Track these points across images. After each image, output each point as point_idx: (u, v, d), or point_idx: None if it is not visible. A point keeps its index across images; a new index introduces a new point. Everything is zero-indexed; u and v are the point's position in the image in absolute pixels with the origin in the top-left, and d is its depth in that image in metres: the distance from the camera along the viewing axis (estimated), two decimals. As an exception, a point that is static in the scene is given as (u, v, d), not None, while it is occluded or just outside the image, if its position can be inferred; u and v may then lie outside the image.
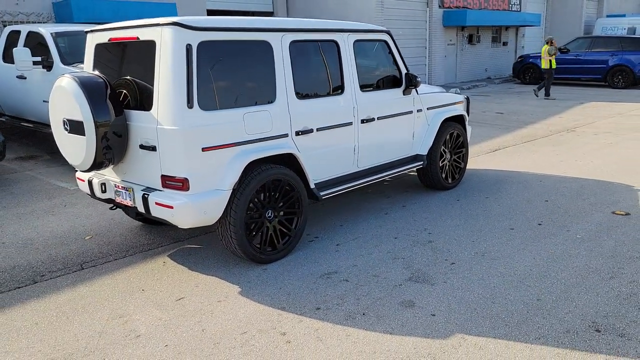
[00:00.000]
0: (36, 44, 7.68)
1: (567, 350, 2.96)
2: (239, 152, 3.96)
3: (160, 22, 3.74)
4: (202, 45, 3.78)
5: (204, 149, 3.76)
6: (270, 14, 17.02)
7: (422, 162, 5.67)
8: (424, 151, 5.70)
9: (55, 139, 4.27)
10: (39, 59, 7.16)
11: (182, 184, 3.75)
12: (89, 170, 4.09)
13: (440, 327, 3.20)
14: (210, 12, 15.55)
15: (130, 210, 4.35)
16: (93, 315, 3.52)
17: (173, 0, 13.91)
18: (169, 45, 3.68)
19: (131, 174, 4.16)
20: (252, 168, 4.07)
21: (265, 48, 4.17)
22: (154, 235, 4.96)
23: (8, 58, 8.21)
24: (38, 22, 12.29)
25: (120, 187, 4.25)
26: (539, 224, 4.94)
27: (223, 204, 3.88)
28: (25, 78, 7.73)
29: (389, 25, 16.48)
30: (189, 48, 3.69)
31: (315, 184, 4.62)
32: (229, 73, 3.93)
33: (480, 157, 7.78)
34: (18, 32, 8.15)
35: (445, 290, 3.67)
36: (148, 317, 3.46)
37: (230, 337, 3.18)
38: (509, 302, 3.48)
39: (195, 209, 3.76)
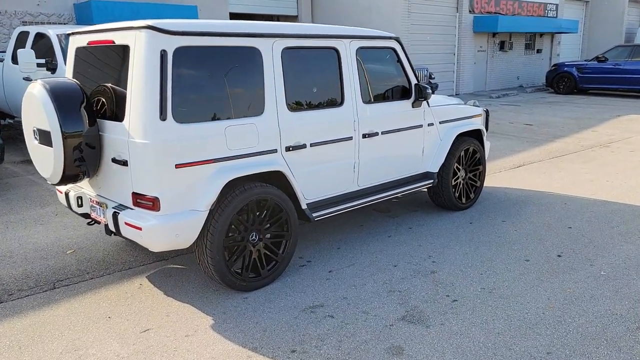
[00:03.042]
0: (43, 45, 7.54)
1: (579, 423, 2.47)
2: (217, 169, 3.59)
3: (135, 25, 3.41)
4: (179, 51, 3.43)
5: (177, 166, 3.41)
6: (294, 18, 16.73)
7: (432, 181, 5.20)
8: (435, 169, 5.23)
9: (28, 149, 4.00)
10: (42, 61, 7.00)
11: (152, 204, 3.41)
12: (60, 184, 3.79)
13: (428, 384, 2.75)
14: (233, 16, 15.36)
15: (106, 228, 4.04)
16: (48, 346, 3.19)
17: (195, 3, 13.75)
18: (141, 51, 3.34)
19: (106, 189, 3.85)
20: (234, 186, 3.70)
21: (253, 55, 3.80)
22: (138, 252, 4.65)
23: (16, 59, 8.10)
24: (59, 24, 12.28)
25: (95, 202, 3.94)
26: (559, 256, 4.41)
27: (198, 226, 3.52)
28: (31, 80, 7.59)
29: (417, 31, 15.97)
30: (163, 54, 3.35)
31: (307, 204, 4.21)
32: (210, 82, 3.57)
33: (502, 174, 7.23)
34: (27, 33, 8.03)
35: (441, 334, 3.21)
36: (105, 352, 3.11)
37: (187, 383, 2.80)
38: (513, 355, 2.99)
39: (165, 232, 3.40)
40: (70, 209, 4.20)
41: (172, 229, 3.42)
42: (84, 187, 4.14)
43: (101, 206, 3.87)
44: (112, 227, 3.70)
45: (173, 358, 3.03)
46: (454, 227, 5.14)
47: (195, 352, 3.09)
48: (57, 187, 4.36)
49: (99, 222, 4.01)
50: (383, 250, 4.57)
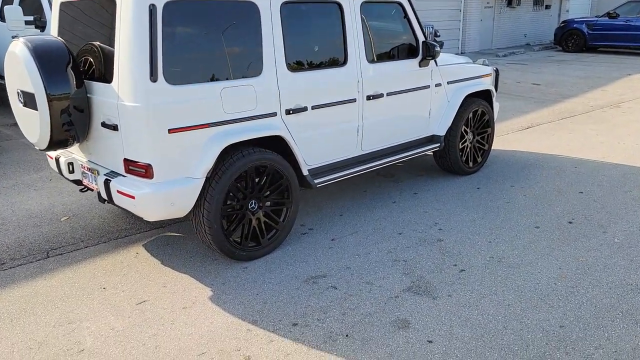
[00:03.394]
0: (32, 1, 7.19)
1: (594, 401, 2.36)
2: (214, 134, 3.39)
3: (120, -22, 3.14)
4: (170, 5, 3.17)
5: (170, 131, 3.21)
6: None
7: (438, 144, 5.00)
8: (442, 132, 5.02)
9: (14, 113, 3.79)
10: (31, 18, 6.68)
11: (145, 171, 3.22)
12: (49, 149, 3.60)
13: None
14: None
15: (99, 195, 3.88)
16: (40, 318, 3.08)
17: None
18: (128, 5, 3.08)
19: (97, 155, 3.66)
20: (232, 152, 3.51)
21: (250, 10, 3.53)
22: (134, 219, 4.50)
23: (4, 17, 7.76)
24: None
25: (86, 168, 3.77)
26: (570, 222, 4.25)
27: (194, 195, 3.35)
28: (20, 39, 7.28)
29: (421, -14, 15.37)
30: (152, 9, 3.09)
31: (309, 170, 4.03)
32: (204, 40, 3.32)
33: (509, 136, 7.01)
34: (15, -11, 7.67)
35: (448, 306, 3.08)
36: (100, 325, 3.00)
37: (184, 359, 2.68)
38: (524, 329, 2.87)
39: (160, 200, 3.23)
40: (62, 175, 4.02)
41: (167, 197, 3.25)
42: (74, 153, 3.95)
43: (93, 173, 3.69)
44: (104, 195, 3.53)
45: (170, 331, 2.91)
46: (461, 192, 4.97)
47: (193, 325, 2.97)
48: (48, 153, 4.17)
49: (91, 189, 3.85)
50: (387, 217, 4.41)
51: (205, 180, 3.39)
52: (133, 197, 3.24)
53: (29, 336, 2.91)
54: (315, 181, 3.98)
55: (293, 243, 3.96)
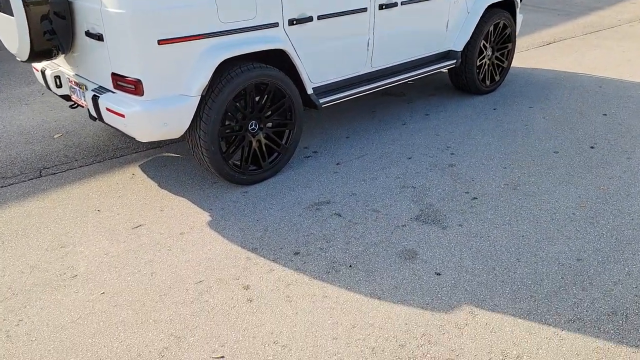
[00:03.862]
0: None
1: (612, 343, 2.24)
2: (209, 46, 3.07)
3: None
4: None
5: (160, 42, 2.89)
6: None
7: (454, 61, 4.63)
8: (459, 47, 4.63)
9: (-10, 20, 3.45)
10: None
11: (134, 87, 2.95)
12: (31, 60, 3.31)
13: (444, 294, 2.50)
14: None
15: (89, 112, 3.63)
16: (32, 241, 2.96)
17: None
18: None
19: (84, 68, 3.37)
20: (229, 68, 3.21)
21: None
22: (131, 137, 4.28)
23: None
24: None
25: (74, 82, 3.49)
26: (592, 147, 3.99)
27: (189, 114, 3.10)
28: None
29: None
30: None
31: (314, 88, 3.73)
32: (195, -64, 2.91)
33: (530, 52, 6.55)
34: None
35: (459, 237, 2.92)
36: (94, 249, 2.88)
37: (181, 287, 2.58)
38: (539, 261, 2.72)
39: (152, 120, 2.99)
40: (49, 89, 3.75)
41: (159, 116, 3.00)
42: (61, 65, 3.66)
43: (81, 88, 3.42)
44: (93, 113, 3.29)
45: (167, 258, 2.79)
46: (476, 113, 4.67)
47: (190, 251, 2.84)
48: (34, 65, 3.87)
49: (82, 106, 3.59)
50: (396, 140, 4.16)
51: (201, 98, 3.12)
52: (123, 116, 3.00)
53: (21, 259, 2.80)
54: (321, 101, 3.69)
55: (296, 167, 3.76)
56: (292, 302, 2.46)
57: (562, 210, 3.16)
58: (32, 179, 3.69)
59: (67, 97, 3.76)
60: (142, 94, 2.96)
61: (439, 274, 2.62)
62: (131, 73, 2.93)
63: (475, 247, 2.82)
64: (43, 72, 3.69)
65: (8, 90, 5.40)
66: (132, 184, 3.59)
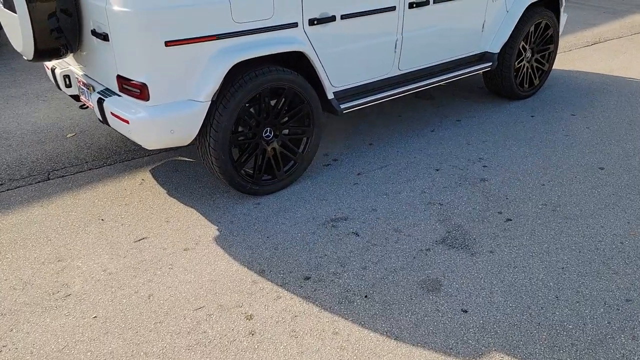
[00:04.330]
0: None
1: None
2: (221, 48, 2.83)
3: None
4: None
5: (168, 43, 2.67)
6: None
7: (490, 64, 4.28)
8: (496, 48, 4.28)
9: (-2, 16, 3.30)
10: None
11: (139, 91, 2.74)
12: (37, 59, 3.13)
13: (470, 336, 2.21)
14: None
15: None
16: (30, 253, 2.79)
17: None
18: None
19: (91, 69, 3.19)
20: (242, 71, 2.97)
21: None
22: (143, 139, 4.10)
23: None
24: None
25: (82, 83, 3.31)
26: (641, 164, 3.61)
27: (198, 121, 2.87)
28: None
29: None
30: None
31: (334, 93, 3.46)
32: None
33: (572, 53, 6.11)
34: None
35: (489, 266, 2.62)
36: (92, 265, 2.69)
37: (179, 313, 2.36)
38: (581, 301, 2.40)
39: (157, 126, 2.78)
40: (59, 88, 3.59)
41: (166, 123, 2.78)
42: (71, 65, 3.49)
43: (88, 89, 3.24)
44: (98, 116, 3.10)
45: (167, 278, 2.58)
46: (512, 121, 4.32)
47: (192, 271, 2.62)
48: (45, 63, 3.72)
49: (91, 107, 3.42)
50: (423, 149, 3.86)
51: (211, 103, 2.89)
52: (127, 122, 2.80)
53: (15, 273, 2.64)
54: (342, 106, 3.42)
55: (313, 176, 3.51)
56: (298, 337, 2.21)
57: (609, 239, 2.82)
58: (39, 181, 3.55)
59: (76, 98, 3.60)
60: (148, 99, 2.74)
61: (466, 312, 2.33)
62: (136, 76, 2.72)
63: (508, 280, 2.52)
64: (53, 71, 3.53)
65: (27, 85, 5.31)
66: (141, 190, 3.40)
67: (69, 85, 3.47)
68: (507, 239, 2.81)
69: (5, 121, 4.50)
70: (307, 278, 2.55)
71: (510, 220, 2.99)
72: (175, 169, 3.66)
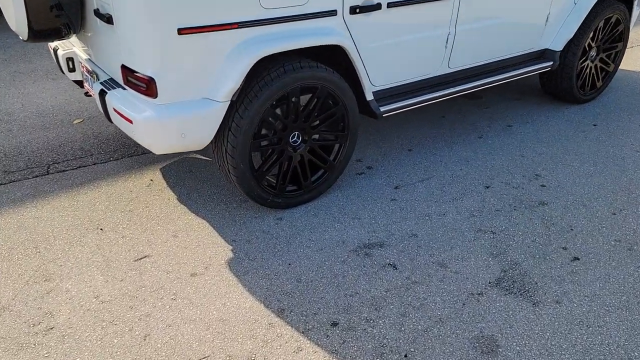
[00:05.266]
0: None
1: None
2: (245, 38, 2.37)
3: None
4: None
5: (181, 31, 2.22)
6: None
7: (551, 63, 3.74)
8: (559, 46, 3.72)
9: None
10: None
11: (146, 86, 2.31)
12: (34, 39, 2.72)
13: (537, 421, 1.77)
14: None
15: (103, 104, 3.04)
16: (14, 268, 2.42)
17: None
18: None
19: (96, 54, 2.77)
20: (268, 67, 2.51)
21: None
22: (155, 131, 3.68)
23: None
24: None
25: (85, 69, 2.90)
26: None
27: (214, 124, 2.43)
28: None
29: None
30: None
31: (374, 92, 2.98)
32: None
33: (637, 51, 5.48)
34: None
35: (556, 322, 2.15)
36: (82, 288, 2.30)
37: (180, 362, 1.96)
38: (674, 378, 1.93)
39: (166, 129, 2.35)
40: (62, 72, 3.18)
41: (176, 125, 2.35)
42: (75, 47, 3.07)
43: (92, 76, 2.82)
44: (100, 109, 2.69)
45: (168, 312, 2.18)
46: (571, 129, 3.79)
47: (199, 305, 2.22)
48: (49, 43, 3.31)
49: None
50: (471, 160, 3.37)
51: (230, 104, 2.45)
52: (131, 122, 2.37)
53: (-5, 294, 2.27)
54: (382, 109, 2.95)
55: (344, 187, 3.06)
56: (323, 409, 1.80)
57: (700, 292, 2.33)
58: (36, 176, 3.17)
59: (81, 84, 3.20)
60: (156, 96, 2.31)
61: (530, 386, 1.89)
62: (143, 68, 2.28)
63: (580, 344, 2.05)
64: (55, 52, 3.12)
65: (37, 61, 4.93)
66: (148, 194, 2.99)
67: (72, 70, 3.06)
68: (575, 285, 2.34)
69: (9, 101, 4.13)
70: (335, 324, 2.13)
71: (578, 259, 2.50)
72: (188, 169, 3.24)
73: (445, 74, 3.26)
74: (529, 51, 3.66)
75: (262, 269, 2.42)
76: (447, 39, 3.09)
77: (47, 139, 3.58)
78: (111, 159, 3.37)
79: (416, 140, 3.60)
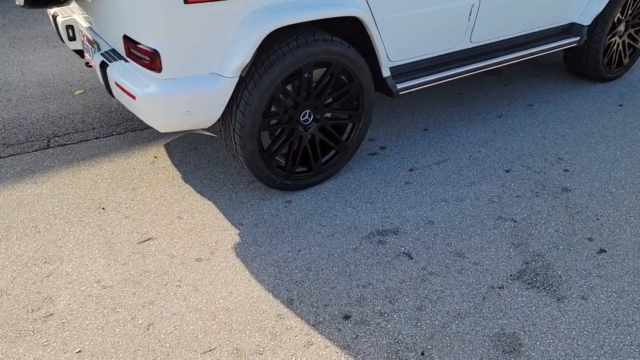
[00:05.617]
0: None
1: None
2: (256, 8, 2.19)
3: None
4: None
5: (188, 0, 2.05)
6: None
7: (578, 38, 3.53)
8: (587, 20, 3.51)
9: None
10: None
11: (149, 60, 2.15)
12: (32, 5, 2.56)
13: None
14: None
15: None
16: (13, 249, 2.32)
17: None
18: None
19: (97, 22, 2.60)
20: (280, 40, 2.33)
21: None
22: (159, 104, 3.53)
23: None
24: None
25: (86, 38, 2.73)
26: None
27: (222, 101, 2.28)
28: None
29: None
30: None
31: (391, 68, 2.80)
32: None
33: (662, 26, 5.21)
34: None
35: (582, 320, 2.04)
36: (84, 272, 2.20)
37: (183, 355, 1.86)
38: None
39: (171, 106, 2.20)
40: (62, 40, 3.01)
41: (181, 102, 2.20)
42: (75, 14, 2.89)
43: (93, 46, 2.66)
44: (101, 81, 2.54)
45: (172, 299, 2.08)
46: (596, 109, 3.61)
47: (205, 292, 2.11)
48: (48, 9, 3.13)
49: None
50: (490, 141, 3.21)
51: (239, 79, 2.29)
52: (133, 97, 2.22)
53: (-8, 277, 2.17)
54: (398, 86, 2.78)
55: (356, 169, 2.92)
56: (334, 410, 1.70)
57: None
58: (37, 150, 3.05)
59: (81, 53, 3.03)
60: (160, 70, 2.15)
61: (554, 389, 1.78)
62: (146, 40, 2.12)
63: (609, 344, 1.94)
64: (54, 19, 2.94)
65: (38, 26, 4.74)
66: (151, 171, 2.87)
67: (72, 38, 2.89)
68: (602, 280, 2.21)
69: (8, 69, 3.97)
70: (347, 317, 2.02)
71: (605, 251, 2.37)
72: (194, 146, 3.11)
73: (467, 49, 3.07)
74: (554, 25, 3.45)
75: (270, 256, 2.30)
76: (471, 10, 2.89)
77: (47, 111, 3.44)
78: (114, 133, 3.24)
79: (432, 119, 3.44)
